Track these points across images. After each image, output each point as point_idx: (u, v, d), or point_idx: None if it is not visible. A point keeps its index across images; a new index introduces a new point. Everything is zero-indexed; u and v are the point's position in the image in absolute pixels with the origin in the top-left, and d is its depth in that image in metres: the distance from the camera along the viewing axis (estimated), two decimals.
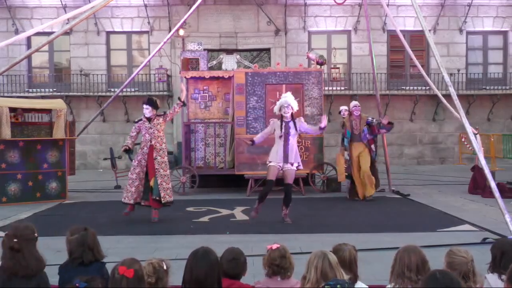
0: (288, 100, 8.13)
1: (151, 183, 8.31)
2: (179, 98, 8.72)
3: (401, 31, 12.09)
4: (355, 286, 3.34)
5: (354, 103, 10.59)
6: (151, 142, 8.34)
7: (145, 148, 8.38)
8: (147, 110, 8.37)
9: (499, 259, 3.39)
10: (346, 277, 3.08)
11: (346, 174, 10.47)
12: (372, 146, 10.42)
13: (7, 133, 10.10)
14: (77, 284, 2.79)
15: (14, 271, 3.25)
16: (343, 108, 11.06)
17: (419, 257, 3.18)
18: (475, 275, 3.24)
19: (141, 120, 8.52)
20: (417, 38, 18.56)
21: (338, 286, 2.60)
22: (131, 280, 2.85)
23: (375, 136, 10.58)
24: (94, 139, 18.46)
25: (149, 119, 8.41)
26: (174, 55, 18.31)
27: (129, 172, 8.49)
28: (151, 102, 8.45)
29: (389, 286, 3.25)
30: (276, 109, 8.35)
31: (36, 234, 3.42)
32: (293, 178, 8.25)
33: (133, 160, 8.50)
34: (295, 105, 8.19)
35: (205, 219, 8.70)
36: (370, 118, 10.48)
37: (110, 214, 9.19)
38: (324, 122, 8.23)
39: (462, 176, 13.37)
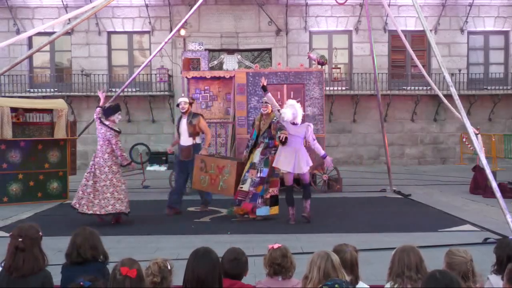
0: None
1: None
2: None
3: (402, 31, 12.05)
4: (357, 287, 3.34)
5: (264, 99, 8.71)
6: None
7: (114, 157, 8.36)
8: (120, 118, 8.49)
9: (506, 262, 3.38)
10: (347, 278, 3.08)
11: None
12: (256, 150, 8.39)
13: (8, 133, 10.12)
14: (81, 283, 2.81)
15: (17, 269, 3.28)
16: (182, 100, 9.32)
17: (417, 256, 3.20)
18: (475, 275, 3.25)
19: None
20: (418, 38, 18.55)
21: (336, 285, 2.60)
22: (134, 280, 2.86)
23: (268, 139, 8.36)
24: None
25: None
26: (175, 55, 18.31)
27: (121, 180, 8.26)
28: None
29: (387, 286, 3.26)
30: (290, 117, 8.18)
31: (40, 233, 3.46)
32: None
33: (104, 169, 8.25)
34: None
35: (206, 219, 8.71)
36: (274, 119, 8.35)
37: None
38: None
39: (463, 176, 13.36)
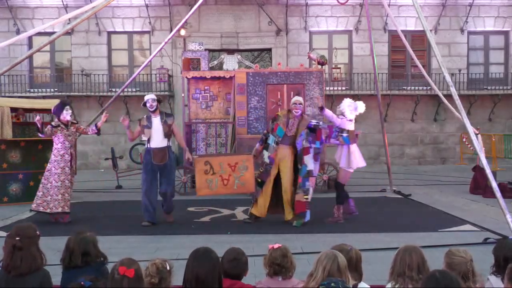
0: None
1: None
2: (96, 125, 8.66)
3: (402, 31, 12.06)
4: (358, 287, 3.34)
5: (296, 99, 8.21)
6: (70, 149, 8.32)
7: (66, 155, 8.26)
8: (70, 112, 8.33)
9: (503, 263, 3.37)
10: (351, 282, 3.07)
11: (259, 180, 8.18)
12: (306, 157, 7.96)
13: (8, 133, 10.12)
14: (82, 283, 2.82)
15: (15, 268, 3.28)
16: (150, 97, 8.33)
17: (419, 256, 3.19)
18: (475, 275, 3.24)
19: (59, 126, 8.21)
20: (418, 38, 18.57)
21: (332, 284, 2.60)
22: (132, 280, 2.85)
23: (319, 145, 8.11)
24: (95, 139, 18.41)
25: (67, 125, 8.30)
26: (175, 55, 18.32)
27: (49, 179, 8.20)
28: (70, 104, 8.50)
29: (388, 285, 3.25)
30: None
31: (38, 232, 3.46)
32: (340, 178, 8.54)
33: (54, 167, 8.20)
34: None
35: (206, 219, 8.71)
36: (313, 122, 8.17)
37: (111, 214, 9.22)
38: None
39: (463, 176, 13.37)
